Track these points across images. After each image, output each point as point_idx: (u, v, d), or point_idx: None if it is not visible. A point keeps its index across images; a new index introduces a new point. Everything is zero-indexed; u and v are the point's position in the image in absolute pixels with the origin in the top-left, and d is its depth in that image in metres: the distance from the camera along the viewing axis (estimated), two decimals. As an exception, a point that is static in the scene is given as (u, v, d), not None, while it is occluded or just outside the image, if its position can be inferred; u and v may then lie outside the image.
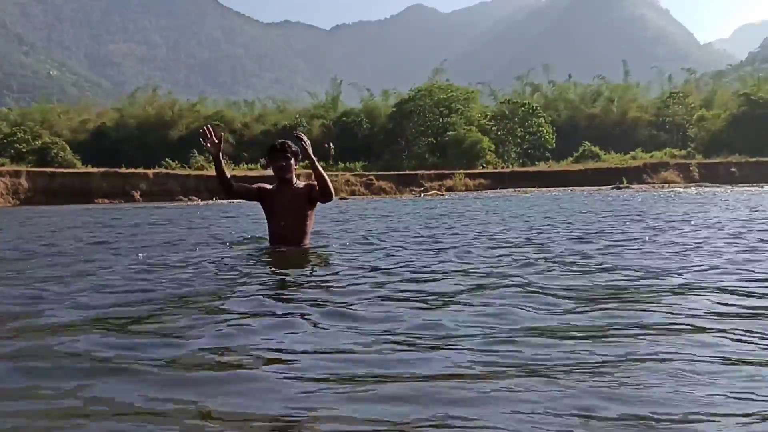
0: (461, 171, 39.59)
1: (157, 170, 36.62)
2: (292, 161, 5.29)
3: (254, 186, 5.54)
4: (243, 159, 44.98)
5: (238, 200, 25.85)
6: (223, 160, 5.31)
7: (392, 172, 39.08)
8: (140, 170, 35.69)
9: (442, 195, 31.48)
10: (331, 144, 42.09)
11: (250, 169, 41.42)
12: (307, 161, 5.17)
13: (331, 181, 5.29)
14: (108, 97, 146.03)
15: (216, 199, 31.11)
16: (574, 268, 4.23)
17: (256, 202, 5.58)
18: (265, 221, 5.57)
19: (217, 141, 5.18)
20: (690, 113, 52.20)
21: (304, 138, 5.06)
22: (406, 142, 47.49)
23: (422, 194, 32.03)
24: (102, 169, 35.12)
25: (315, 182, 5.22)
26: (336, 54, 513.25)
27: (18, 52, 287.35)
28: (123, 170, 35.35)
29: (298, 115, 51.57)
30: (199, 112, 52.46)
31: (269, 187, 5.48)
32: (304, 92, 66.67)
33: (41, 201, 29.68)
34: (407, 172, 39.70)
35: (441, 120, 48.03)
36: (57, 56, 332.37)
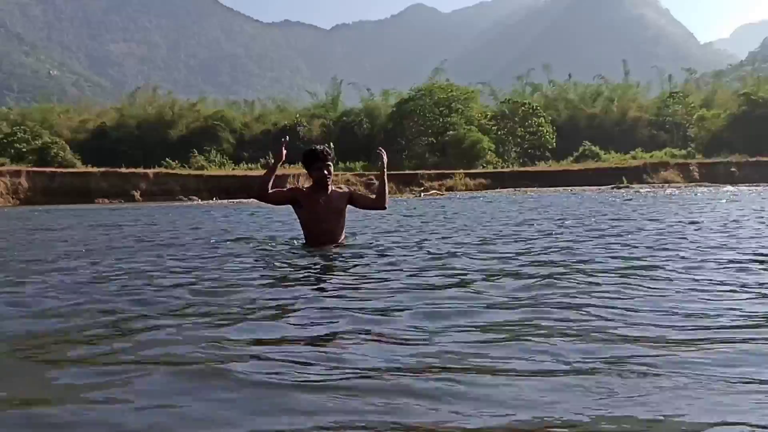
0: (461, 171, 39.55)
1: (157, 170, 36.60)
2: (331, 168, 5.52)
3: (287, 190, 5.83)
4: (243, 159, 45.01)
5: (238, 201, 25.87)
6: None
7: (392, 172, 38.91)
8: (140, 170, 35.68)
9: (442, 195, 31.46)
10: (332, 144, 42.08)
11: (250, 169, 41.43)
12: (378, 172, 5.78)
13: (333, 181, 5.60)
14: (108, 96, 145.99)
15: (216, 199, 31.13)
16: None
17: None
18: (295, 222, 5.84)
19: (284, 155, 5.65)
20: (690, 113, 52.20)
21: (384, 155, 5.74)
22: (406, 142, 47.46)
23: (422, 194, 32.01)
24: (102, 169, 35.11)
25: (354, 189, 5.91)
26: (336, 53, 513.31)
27: (18, 52, 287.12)
28: (123, 170, 35.34)
29: (298, 115, 51.57)
30: (199, 111, 52.45)
31: (303, 189, 5.70)
32: (304, 92, 66.76)
33: (41, 201, 29.65)
34: (407, 171, 39.65)
35: (441, 120, 48.00)
36: (57, 56, 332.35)
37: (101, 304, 3.11)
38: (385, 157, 5.73)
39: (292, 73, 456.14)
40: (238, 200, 27.89)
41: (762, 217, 9.04)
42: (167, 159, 40.64)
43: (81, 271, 4.53)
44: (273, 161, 5.63)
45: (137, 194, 33.27)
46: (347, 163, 42.38)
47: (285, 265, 4.64)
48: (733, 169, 40.66)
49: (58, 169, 35.14)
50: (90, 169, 36.57)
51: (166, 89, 61.24)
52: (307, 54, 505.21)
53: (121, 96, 62.22)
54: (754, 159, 42.00)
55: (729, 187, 29.00)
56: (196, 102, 55.63)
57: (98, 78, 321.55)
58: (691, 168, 41.17)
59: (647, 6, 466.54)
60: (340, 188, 5.75)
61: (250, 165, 43.27)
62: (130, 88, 63.34)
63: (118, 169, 35.15)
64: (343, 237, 5.72)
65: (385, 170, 5.71)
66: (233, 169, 42.20)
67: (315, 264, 4.66)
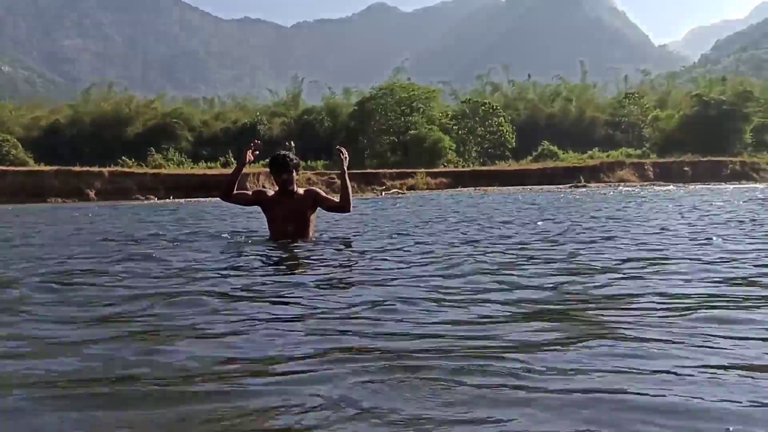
0: (423, 170, 39.70)
1: (112, 168, 35.85)
2: (294, 173, 5.63)
3: (252, 193, 5.95)
4: (202, 157, 44.44)
5: (197, 200, 25.49)
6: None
7: (354, 171, 38.92)
8: (95, 169, 34.87)
9: (404, 194, 31.53)
10: (292, 142, 41.82)
11: (209, 167, 40.95)
12: (337, 172, 5.95)
13: (295, 180, 5.73)
14: (62, 93, 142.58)
15: (172, 198, 30.66)
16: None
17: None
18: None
19: (253, 158, 5.73)
20: (645, 113, 53.37)
21: (345, 153, 5.74)
22: (368, 141, 47.45)
23: (383, 193, 32.04)
24: (55, 168, 34.22)
25: (317, 190, 5.88)
26: (297, 52, 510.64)
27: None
28: (77, 168, 34.46)
29: (258, 113, 51.13)
30: (156, 109, 51.59)
31: (269, 193, 5.83)
32: (264, 90, 66.10)
33: (-8, 200, 28.79)
34: (369, 170, 39.65)
35: (403, 119, 48.10)
36: (9, 52, 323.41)
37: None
38: (345, 156, 5.73)
39: (253, 71, 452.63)
40: (196, 199, 27.51)
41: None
42: (123, 157, 39.85)
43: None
44: (238, 164, 5.75)
45: (92, 193, 32.53)
46: (308, 162, 42.16)
47: (247, 261, 4.61)
48: (686, 168, 41.69)
49: (10, 168, 34.16)
50: (42, 167, 35.59)
51: (123, 86, 59.94)
52: (268, 52, 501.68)
53: (76, 93, 60.78)
54: (706, 158, 43.14)
55: (672, 186, 29.70)
56: (154, 99, 54.71)
57: (52, 74, 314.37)
58: (645, 167, 42.07)
59: (604, 8, 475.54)
60: (310, 190, 5.86)
61: (209, 163, 42.77)
62: (84, 85, 61.80)
63: (71, 168, 34.28)
64: (311, 237, 5.77)
65: (346, 170, 5.68)
66: (192, 167, 41.61)
67: (277, 259, 4.70)
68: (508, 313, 2.71)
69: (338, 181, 5.73)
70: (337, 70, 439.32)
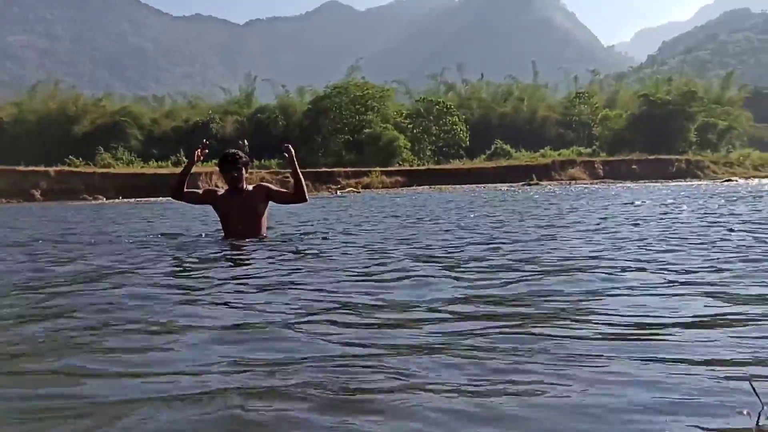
0: (378, 168, 39.74)
1: (59, 168, 34.86)
2: (243, 171, 5.66)
3: (202, 192, 6.00)
4: (152, 156, 43.54)
5: (146, 200, 25.01)
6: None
7: (308, 170, 38.70)
8: (41, 168, 33.84)
9: (359, 192, 31.49)
10: (246, 141, 41.32)
11: (160, 167, 40.14)
12: (288, 169, 5.99)
13: (247, 178, 5.78)
14: (6, 91, 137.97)
15: (122, 198, 30.00)
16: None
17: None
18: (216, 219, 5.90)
19: (203, 157, 5.71)
20: (595, 113, 54.50)
21: (291, 150, 5.66)
22: (323, 140, 47.22)
23: (338, 191, 31.94)
24: (-2, 167, 33.10)
25: (266, 184, 5.89)
26: (250, 49, 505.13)
27: None
28: (21, 168, 33.39)
29: (210, 111, 50.36)
30: (104, 107, 50.32)
31: (220, 191, 5.86)
32: (216, 88, 65.04)
33: (-70, 201, 27.69)
34: (324, 169, 39.47)
35: (357, 117, 48.02)
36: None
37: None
38: (292, 151, 5.68)
39: (204, 69, 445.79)
40: (146, 199, 26.95)
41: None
42: (70, 156, 38.72)
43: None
44: (188, 162, 5.73)
45: (37, 193, 31.58)
46: (262, 161, 41.72)
47: (197, 260, 4.60)
48: (634, 167, 42.71)
49: (-51, 168, 32.88)
50: (-15, 167, 34.39)
51: (69, 84, 58.19)
52: (219, 49, 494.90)
53: (20, 90, 58.76)
54: (653, 157, 44.26)
55: (629, 184, 30.40)
56: (102, 97, 53.35)
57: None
58: (596, 166, 42.96)
59: (555, 10, 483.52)
60: (260, 185, 5.86)
61: (160, 163, 41.91)
62: (29, 83, 59.76)
63: (16, 168, 33.18)
64: (264, 233, 5.80)
65: (295, 162, 5.64)
66: (142, 167, 40.74)
67: (227, 256, 4.70)
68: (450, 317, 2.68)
69: (293, 180, 5.66)
70: (291, 68, 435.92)
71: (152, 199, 26.06)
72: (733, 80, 62.86)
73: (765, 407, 1.43)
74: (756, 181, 33.94)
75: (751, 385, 1.48)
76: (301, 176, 5.70)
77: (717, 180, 37.11)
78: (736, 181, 34.82)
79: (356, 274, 3.86)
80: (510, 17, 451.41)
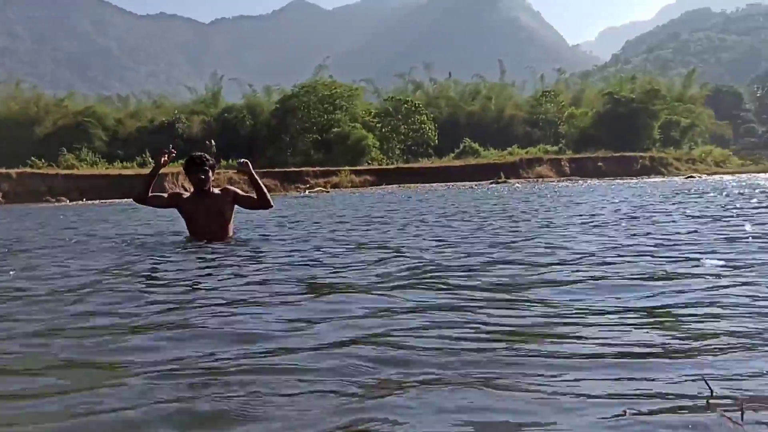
0: (347, 168, 39.67)
1: (21, 170, 34.08)
2: (210, 173, 5.62)
3: (167, 195, 5.89)
4: (117, 157, 42.85)
5: (111, 202, 24.60)
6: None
7: (276, 169, 38.52)
8: (2, 170, 33.04)
9: (328, 192, 31.38)
10: (213, 141, 40.94)
11: (125, 167, 39.52)
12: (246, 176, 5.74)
13: (214, 179, 5.76)
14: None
15: (85, 200, 29.46)
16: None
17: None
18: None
19: (169, 160, 5.65)
20: (561, 111, 55.14)
21: (248, 166, 5.70)
22: (291, 139, 46.97)
23: (307, 191, 31.79)
24: (-44, 169, 32.27)
25: (233, 188, 5.83)
26: (216, 48, 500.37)
27: None
28: (-19, 170, 32.62)
29: (176, 111, 49.73)
30: (67, 107, 49.42)
31: (185, 195, 5.80)
32: (182, 87, 64.34)
33: None
34: (292, 169, 39.27)
35: (325, 117, 47.85)
36: None
37: None
38: (249, 167, 5.72)
39: (170, 68, 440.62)
40: (110, 201, 26.50)
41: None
42: (32, 158, 37.90)
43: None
44: (154, 166, 5.64)
45: (-2, 196, 30.84)
46: (230, 161, 41.30)
47: (163, 263, 4.51)
48: (600, 164, 43.31)
49: None
50: (-57, 169, 33.47)
51: (31, 84, 56.94)
52: (185, 48, 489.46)
53: (-20, 90, 57.33)
54: (618, 154, 44.94)
55: (595, 181, 30.80)
56: (65, 98, 52.37)
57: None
58: (562, 163, 43.46)
59: (521, 9, 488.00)
60: (227, 189, 5.83)
61: (125, 164, 41.28)
62: (-11, 83, 58.36)
63: (-25, 169, 32.41)
64: (231, 236, 5.77)
65: (253, 176, 5.68)
66: (107, 168, 40.06)
67: (194, 261, 4.59)
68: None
69: (254, 191, 5.65)
70: (258, 67, 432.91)
71: (117, 200, 25.62)
72: (694, 78, 64.09)
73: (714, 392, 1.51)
74: (717, 177, 34.68)
75: (705, 380, 1.53)
76: (262, 185, 5.72)
77: (680, 176, 37.84)
78: (698, 177, 35.53)
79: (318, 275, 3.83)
80: (476, 16, 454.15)
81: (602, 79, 73.79)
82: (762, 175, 35.59)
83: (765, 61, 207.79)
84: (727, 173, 42.57)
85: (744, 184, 21.26)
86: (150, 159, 38.90)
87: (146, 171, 5.72)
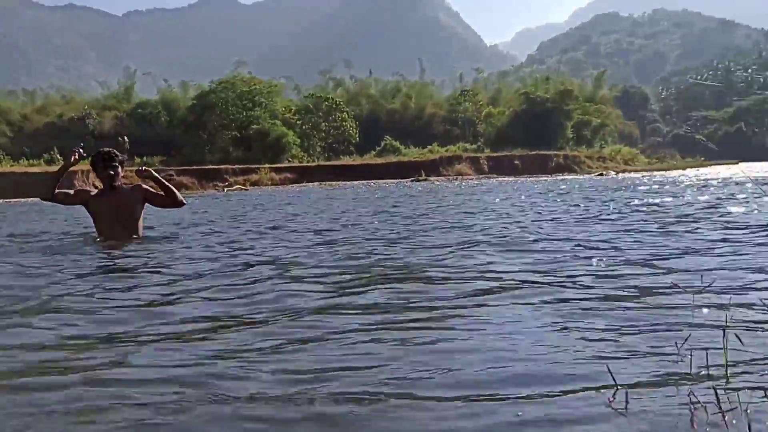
0: (267, 165, 39.13)
1: None
2: (120, 169, 5.49)
3: (75, 192, 5.75)
4: (23, 154, 40.75)
5: (16, 201, 23.41)
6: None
7: (194, 167, 37.57)
8: None
9: (247, 189, 30.89)
10: (125, 137, 39.47)
11: (32, 165, 37.62)
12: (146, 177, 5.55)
13: (125, 176, 5.70)
14: None
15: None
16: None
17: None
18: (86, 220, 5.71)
19: (78, 158, 5.42)
20: (479, 110, 56.33)
21: (149, 171, 5.58)
22: (209, 136, 45.95)
23: (226, 189, 31.18)
24: None
25: (146, 186, 5.68)
26: (129, 42, 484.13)
27: None
28: None
29: (87, 106, 47.77)
30: (-32, 101, 46.74)
31: (93, 191, 5.66)
32: (93, 82, 61.92)
33: None
34: (210, 166, 38.41)
35: (245, 113, 47.05)
36: None
37: None
38: (150, 172, 5.62)
39: (80, 62, 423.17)
40: (15, 200, 25.17)
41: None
42: (-71, 155, 35.64)
43: None
44: (64, 164, 5.49)
45: None
46: (144, 158, 40.06)
47: (73, 262, 4.38)
48: (517, 162, 44.44)
49: None
50: None
51: (-74, 76, 53.65)
52: (96, 41, 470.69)
53: None
54: (534, 152, 46.26)
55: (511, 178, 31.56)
56: (-36, 91, 49.51)
57: None
58: (481, 161, 44.34)
59: (440, 9, 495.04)
60: (138, 186, 5.70)
61: (31, 161, 39.29)
62: None
63: None
64: (140, 234, 5.63)
65: (159, 180, 5.61)
66: (12, 165, 38.01)
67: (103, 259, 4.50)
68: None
69: (176, 178, 5.53)
70: (173, 62, 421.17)
71: (22, 200, 24.36)
72: (604, 80, 66.82)
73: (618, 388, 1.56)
74: (627, 174, 36.24)
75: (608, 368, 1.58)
76: (168, 185, 5.67)
77: (592, 174, 39.33)
78: (609, 174, 37.03)
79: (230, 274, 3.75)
80: (397, 16, 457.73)
81: (518, 79, 75.77)
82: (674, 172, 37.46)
83: (669, 63, 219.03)
84: (635, 171, 44.61)
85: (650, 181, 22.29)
86: (59, 156, 37.29)
87: (54, 169, 5.49)
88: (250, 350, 2.06)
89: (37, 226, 8.89)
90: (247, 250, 4.99)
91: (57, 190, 5.47)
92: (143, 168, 5.70)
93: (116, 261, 4.48)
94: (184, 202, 5.73)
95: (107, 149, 5.59)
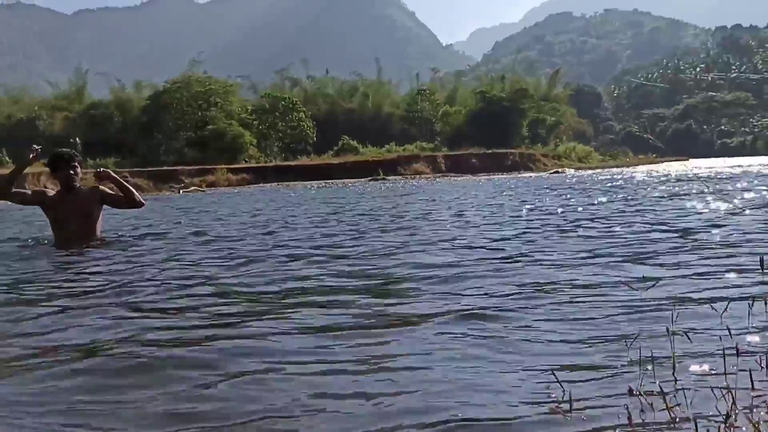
0: (223, 166, 38.69)
1: None
2: (78, 169, 5.50)
3: (32, 192, 5.82)
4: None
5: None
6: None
7: (149, 168, 36.93)
8: None
9: (203, 191, 30.54)
10: (78, 139, 38.61)
11: (-21, 168, 36.49)
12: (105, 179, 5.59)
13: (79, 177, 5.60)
14: None
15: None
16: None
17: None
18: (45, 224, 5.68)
19: (36, 158, 5.40)
20: (436, 109, 56.63)
21: (108, 172, 5.66)
22: (164, 137, 45.22)
23: (181, 191, 30.77)
24: None
25: (103, 188, 5.64)
26: (80, 41, 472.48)
27: None
28: None
29: (37, 107, 46.51)
30: None
31: (50, 192, 5.62)
32: (43, 81, 60.30)
33: None
34: (165, 167, 37.79)
35: (200, 113, 46.43)
36: None
37: None
38: (108, 173, 5.72)
39: (29, 60, 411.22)
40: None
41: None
42: None
43: None
44: (21, 163, 5.54)
45: None
46: (98, 160, 39.19)
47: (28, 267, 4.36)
48: (474, 161, 44.85)
49: None
50: None
51: None
52: (46, 40, 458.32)
53: None
54: (490, 151, 46.74)
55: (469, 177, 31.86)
56: None
57: None
58: (438, 160, 44.62)
59: (396, 7, 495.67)
60: (95, 188, 5.67)
61: (-20, 164, 38.11)
62: None
63: None
64: (99, 237, 5.61)
65: (118, 180, 5.65)
66: (-42, 168, 36.84)
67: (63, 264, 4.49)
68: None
69: (131, 179, 5.53)
70: (126, 61, 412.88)
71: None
72: (558, 78, 67.87)
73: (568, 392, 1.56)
74: (584, 172, 36.93)
75: (554, 373, 1.64)
76: (127, 185, 5.67)
77: (547, 171, 39.96)
78: (564, 172, 37.70)
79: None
80: (352, 14, 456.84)
81: (475, 78, 76.40)
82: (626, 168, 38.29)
83: (621, 62, 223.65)
84: (590, 168, 45.47)
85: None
86: (7, 158, 36.32)
87: (5, 170, 5.47)
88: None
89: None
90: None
91: (14, 189, 5.42)
92: (102, 169, 5.70)
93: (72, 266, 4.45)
94: (144, 202, 5.73)
95: (65, 150, 5.61)
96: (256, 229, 7.25)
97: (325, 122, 52.02)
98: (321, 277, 3.56)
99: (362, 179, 34.90)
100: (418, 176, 38.38)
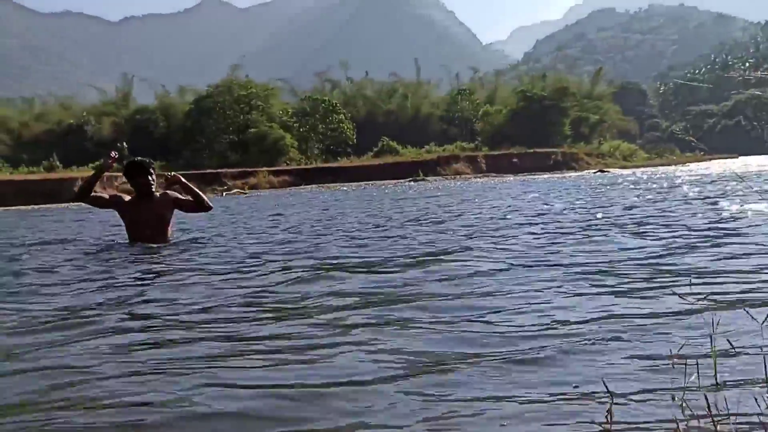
0: (265, 168, 39.19)
1: None
2: (153, 176, 5.66)
3: (109, 196, 5.97)
4: (22, 161, 40.73)
5: (17, 209, 23.49)
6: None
7: (193, 171, 37.58)
8: None
9: (245, 193, 30.95)
10: (125, 143, 39.60)
11: (32, 172, 37.64)
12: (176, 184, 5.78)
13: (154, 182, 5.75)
14: None
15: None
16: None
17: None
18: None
19: (114, 162, 5.61)
20: (476, 109, 56.39)
21: (177, 176, 5.83)
22: (207, 140, 46.02)
23: (224, 193, 31.23)
24: None
25: (176, 193, 5.85)
26: (125, 48, 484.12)
27: None
28: None
29: (85, 113, 47.84)
30: (-36, 110, 46.79)
31: (126, 198, 5.82)
32: (90, 88, 61.94)
33: None
34: (209, 170, 38.45)
35: (242, 117, 47.16)
36: None
37: None
38: (178, 177, 5.87)
39: (75, 68, 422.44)
40: (16, 207, 25.22)
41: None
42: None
43: None
44: (101, 166, 5.68)
45: None
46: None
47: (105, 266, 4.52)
48: (515, 160, 44.49)
49: None
50: None
51: None
52: (92, 48, 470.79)
53: None
54: (532, 150, 46.31)
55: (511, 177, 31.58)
56: (-39, 100, 49.57)
57: None
58: (478, 160, 44.40)
59: (434, 7, 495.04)
60: (167, 193, 5.86)
61: (31, 168, 39.27)
62: None
63: None
64: (169, 238, 5.86)
65: (187, 185, 5.80)
66: (11, 173, 38.03)
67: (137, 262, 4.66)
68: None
69: (190, 197, 5.71)
70: (170, 67, 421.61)
71: (23, 207, 24.41)
72: (601, 76, 66.87)
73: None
74: (629, 171, 36.23)
75: (603, 382, 1.59)
76: (196, 189, 5.87)
77: (590, 170, 39.37)
78: (608, 171, 37.06)
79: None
80: (389, 14, 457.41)
81: (515, 77, 75.92)
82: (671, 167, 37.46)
83: (666, 58, 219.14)
84: (635, 166, 44.65)
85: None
86: (58, 163, 37.44)
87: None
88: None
89: (63, 232, 9.03)
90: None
91: (92, 194, 5.70)
92: (172, 174, 5.94)
93: (144, 265, 4.58)
94: (212, 206, 5.97)
95: (140, 159, 5.83)
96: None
97: (365, 124, 52.27)
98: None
99: (402, 180, 34.90)
100: (458, 176, 38.21)
